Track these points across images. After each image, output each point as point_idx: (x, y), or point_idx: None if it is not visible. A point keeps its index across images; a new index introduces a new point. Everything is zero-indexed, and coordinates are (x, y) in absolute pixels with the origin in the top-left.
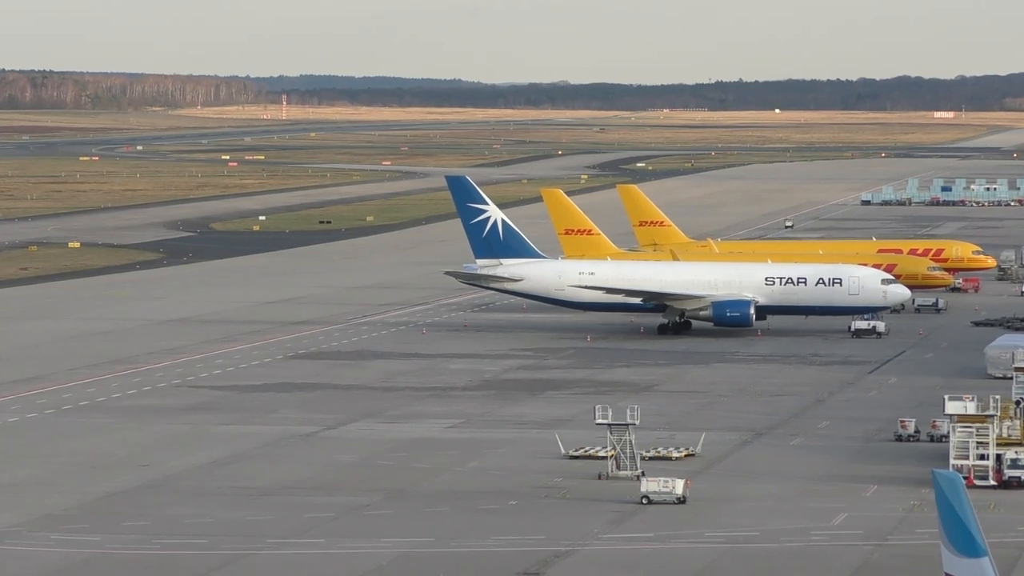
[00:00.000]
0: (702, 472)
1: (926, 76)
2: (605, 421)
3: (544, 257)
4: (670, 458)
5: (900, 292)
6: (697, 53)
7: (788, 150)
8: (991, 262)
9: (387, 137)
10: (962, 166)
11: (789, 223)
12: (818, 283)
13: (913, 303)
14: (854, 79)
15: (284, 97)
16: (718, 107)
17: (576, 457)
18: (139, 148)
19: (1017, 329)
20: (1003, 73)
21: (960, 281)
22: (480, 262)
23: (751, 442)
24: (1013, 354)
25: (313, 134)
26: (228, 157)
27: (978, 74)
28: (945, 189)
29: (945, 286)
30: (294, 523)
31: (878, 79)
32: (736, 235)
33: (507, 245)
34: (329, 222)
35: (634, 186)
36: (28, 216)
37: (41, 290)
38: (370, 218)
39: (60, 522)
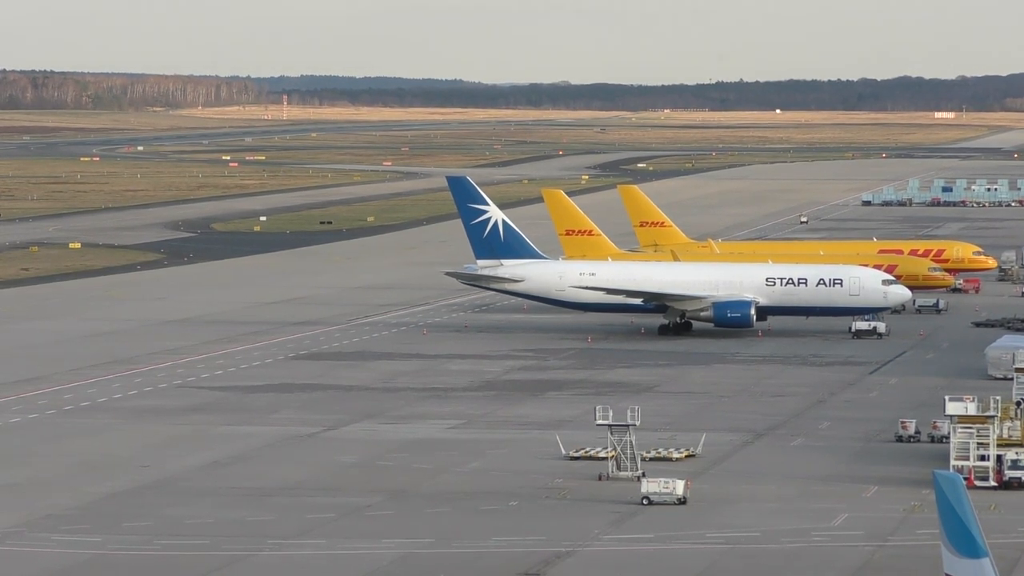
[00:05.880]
0: (703, 473)
1: (927, 76)
2: (606, 422)
3: (545, 258)
4: (671, 459)
5: (901, 293)
6: (698, 53)
7: (789, 150)
8: (992, 263)
9: (388, 137)
10: (963, 166)
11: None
12: (819, 284)
13: (914, 304)
14: (855, 79)
15: (285, 97)
16: (719, 107)
17: (577, 458)
18: (140, 148)
19: (1018, 330)
20: (1004, 73)
21: (961, 282)
22: (481, 263)
23: (752, 443)
24: (1014, 355)
25: (314, 134)
26: (229, 157)
27: (979, 74)
28: (946, 189)
29: (946, 287)
30: (295, 524)
31: (879, 79)
32: (737, 236)
33: (508, 246)
34: (330, 222)
35: (635, 186)
36: (29, 216)
37: (42, 291)
38: (371, 218)
39: (61, 523)
